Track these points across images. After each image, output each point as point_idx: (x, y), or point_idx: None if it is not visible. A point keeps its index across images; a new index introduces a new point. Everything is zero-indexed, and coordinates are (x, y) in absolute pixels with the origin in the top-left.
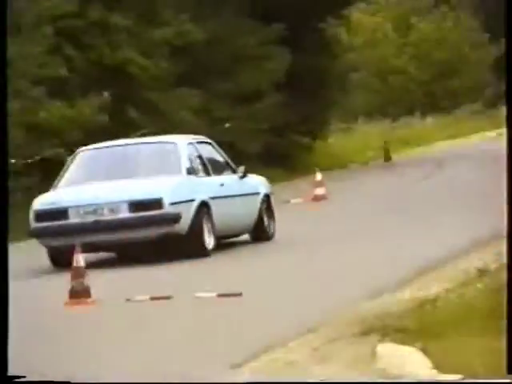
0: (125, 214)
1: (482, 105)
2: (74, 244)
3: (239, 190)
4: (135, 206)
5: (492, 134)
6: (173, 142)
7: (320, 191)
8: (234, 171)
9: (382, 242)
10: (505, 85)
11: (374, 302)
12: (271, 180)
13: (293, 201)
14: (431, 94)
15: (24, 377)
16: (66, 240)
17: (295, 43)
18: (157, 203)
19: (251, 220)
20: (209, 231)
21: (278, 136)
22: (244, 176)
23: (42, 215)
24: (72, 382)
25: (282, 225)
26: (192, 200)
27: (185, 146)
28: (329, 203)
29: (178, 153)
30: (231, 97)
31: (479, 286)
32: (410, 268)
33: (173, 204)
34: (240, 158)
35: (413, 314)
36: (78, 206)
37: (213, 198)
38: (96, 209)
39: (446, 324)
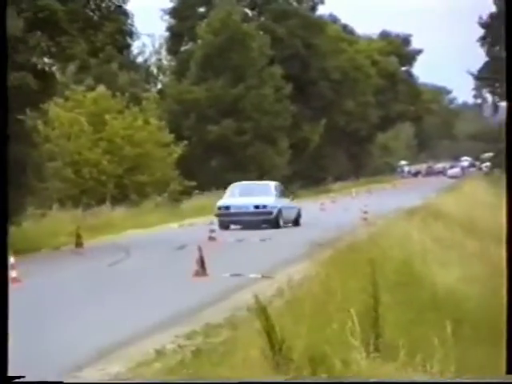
0: (252, 209)
1: (167, 198)
2: (230, 219)
3: (289, 205)
4: (256, 207)
5: (174, 225)
6: (268, 183)
7: (12, 274)
8: (288, 196)
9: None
10: (506, 93)
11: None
12: None
13: None
14: (122, 186)
15: (24, 377)
16: (228, 218)
17: None
18: (265, 206)
19: (293, 217)
20: (280, 219)
21: None
22: (292, 199)
23: (220, 207)
24: (70, 382)
25: None
26: (276, 207)
27: (273, 184)
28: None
29: (271, 188)
30: None
31: (157, 365)
32: (93, 350)
33: (271, 207)
34: None
35: None
36: (234, 205)
37: (282, 207)
38: (241, 207)
39: None
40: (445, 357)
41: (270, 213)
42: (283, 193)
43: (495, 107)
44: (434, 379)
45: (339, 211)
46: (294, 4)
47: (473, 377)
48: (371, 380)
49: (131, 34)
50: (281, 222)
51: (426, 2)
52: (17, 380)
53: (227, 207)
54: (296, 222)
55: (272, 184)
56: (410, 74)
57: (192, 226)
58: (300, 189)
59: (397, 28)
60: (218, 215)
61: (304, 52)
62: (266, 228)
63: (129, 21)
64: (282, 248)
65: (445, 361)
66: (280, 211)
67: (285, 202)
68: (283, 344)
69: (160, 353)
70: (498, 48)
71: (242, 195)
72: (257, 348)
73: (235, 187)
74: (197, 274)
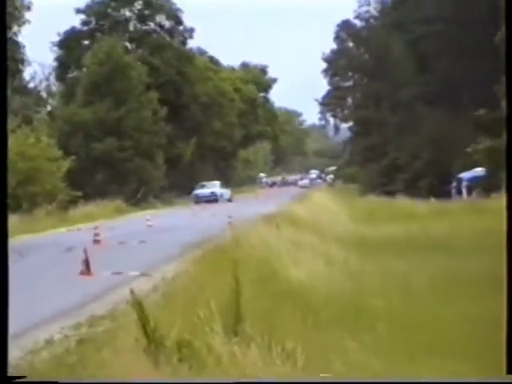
0: (209, 194)
1: (56, 207)
2: (200, 199)
3: (226, 191)
4: (211, 193)
5: (63, 230)
6: (215, 182)
7: None
8: (226, 188)
9: None
10: (506, 97)
11: None
12: None
13: None
14: (15, 197)
15: (24, 377)
16: (200, 199)
17: None
18: (215, 193)
19: (227, 197)
20: (219, 198)
21: None
22: (228, 188)
23: (196, 194)
24: (71, 382)
25: None
26: (218, 192)
27: (218, 182)
28: None
29: (217, 184)
30: None
31: (45, 353)
32: None
33: (217, 194)
34: None
35: None
36: (202, 194)
37: (222, 192)
38: (206, 194)
39: None
40: (295, 339)
41: (216, 195)
42: (222, 186)
43: (336, 128)
44: (434, 379)
45: (208, 216)
46: (168, 38)
47: (473, 377)
48: (371, 380)
49: (22, 61)
50: (219, 200)
51: (280, 37)
52: (17, 380)
53: (197, 194)
54: (229, 200)
55: (217, 182)
56: (267, 100)
57: (79, 230)
58: (175, 197)
59: (255, 59)
60: (195, 196)
61: (177, 79)
62: (213, 202)
63: (20, 50)
64: (158, 249)
65: (294, 342)
66: (220, 194)
67: (223, 191)
68: (156, 332)
69: (48, 342)
70: (337, 78)
71: (203, 188)
72: (133, 336)
73: (199, 185)
74: (82, 272)
